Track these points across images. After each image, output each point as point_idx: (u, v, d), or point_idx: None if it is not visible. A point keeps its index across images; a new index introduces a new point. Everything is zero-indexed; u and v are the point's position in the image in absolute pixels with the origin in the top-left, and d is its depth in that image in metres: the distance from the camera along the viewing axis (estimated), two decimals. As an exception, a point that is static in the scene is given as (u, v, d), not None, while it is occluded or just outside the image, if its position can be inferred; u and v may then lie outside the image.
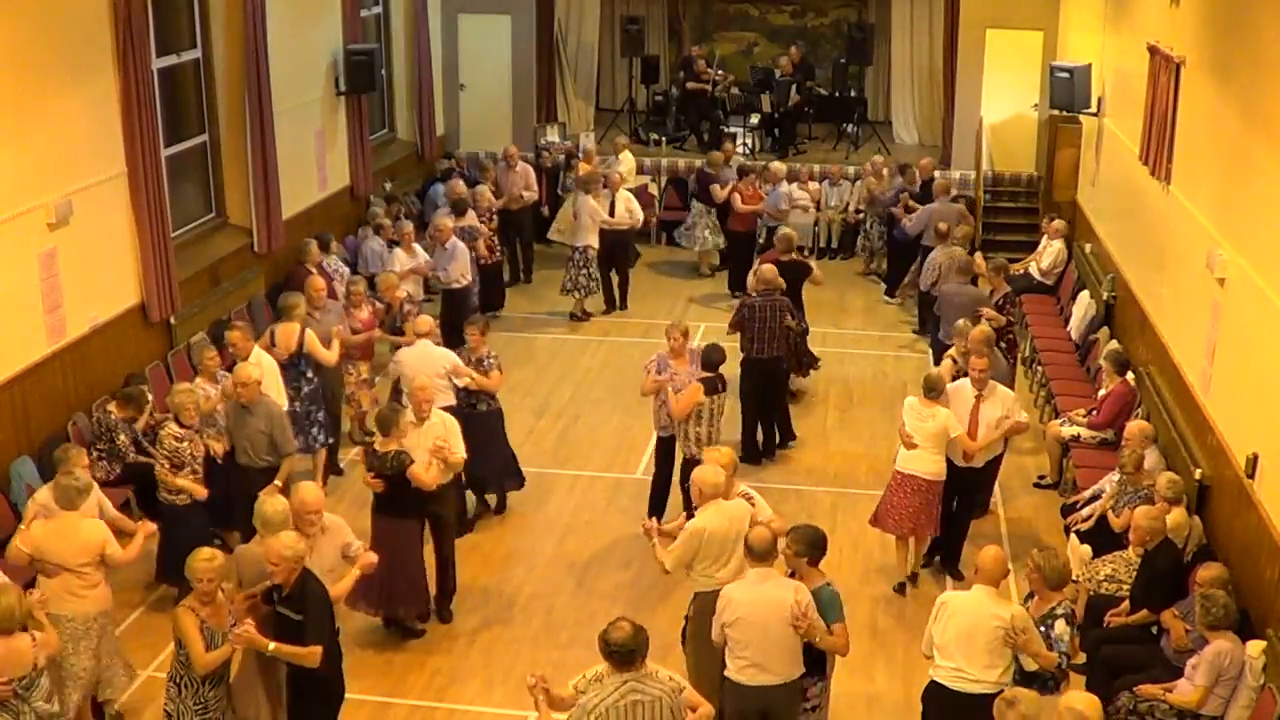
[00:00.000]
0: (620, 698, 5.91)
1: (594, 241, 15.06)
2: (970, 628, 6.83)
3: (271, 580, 6.85)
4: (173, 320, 11.62)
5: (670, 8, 21.86)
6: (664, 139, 19.57)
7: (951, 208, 15.13)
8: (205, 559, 6.79)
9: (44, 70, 9.83)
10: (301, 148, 14.48)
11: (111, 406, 9.80)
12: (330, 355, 10.78)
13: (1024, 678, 6.83)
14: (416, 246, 13.47)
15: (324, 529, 7.55)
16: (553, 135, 18.93)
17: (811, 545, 7.00)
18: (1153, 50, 11.60)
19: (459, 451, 9.07)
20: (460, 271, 13.45)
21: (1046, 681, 6.87)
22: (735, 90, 19.79)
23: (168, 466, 8.86)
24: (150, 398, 10.12)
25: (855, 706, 8.28)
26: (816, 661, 7.08)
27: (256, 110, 13.00)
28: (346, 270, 13.79)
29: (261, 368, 9.76)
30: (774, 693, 6.88)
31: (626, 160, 17.10)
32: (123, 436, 9.73)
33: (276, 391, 9.92)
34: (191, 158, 12.93)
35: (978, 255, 13.18)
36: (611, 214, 15.34)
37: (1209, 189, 9.88)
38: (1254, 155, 8.68)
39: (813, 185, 17.91)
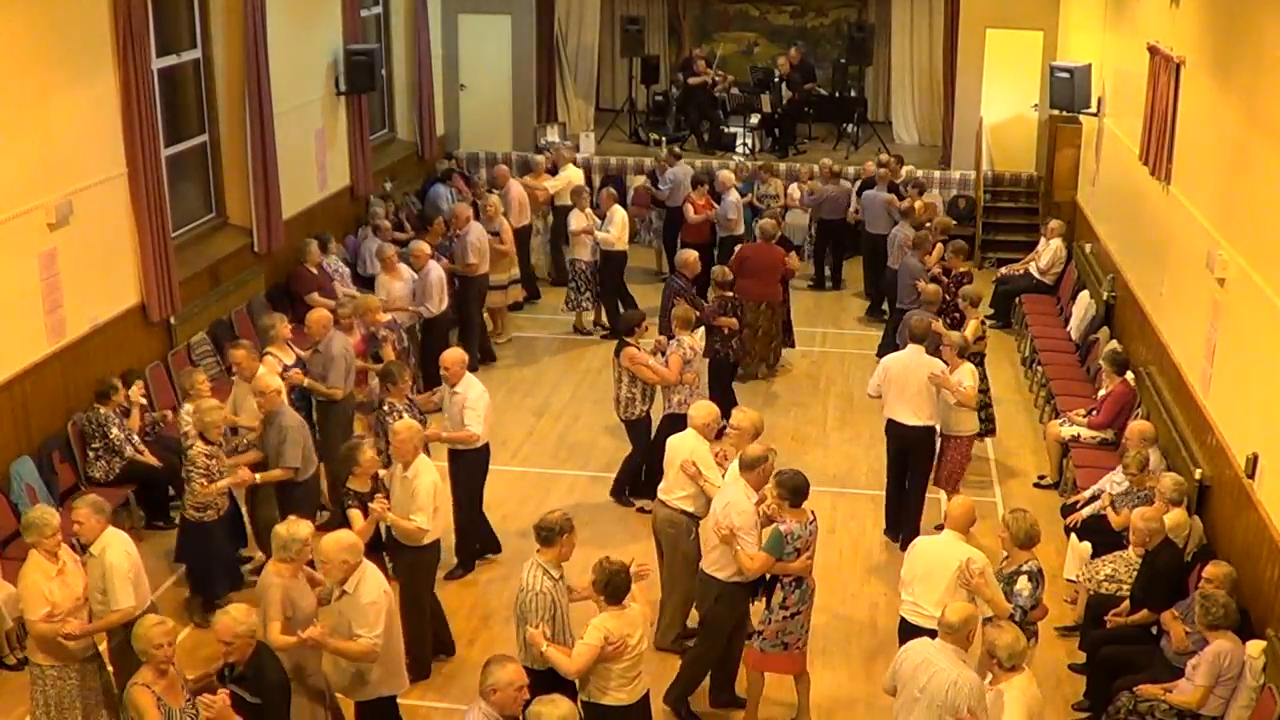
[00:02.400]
0: (525, 562, 7.01)
1: (580, 255, 14.55)
2: (931, 566, 7.39)
3: (225, 659, 6.45)
4: (173, 320, 11.62)
5: (670, 8, 21.87)
6: (664, 139, 19.57)
7: (878, 196, 15.51)
8: (157, 624, 6.31)
9: (44, 70, 9.83)
10: (301, 148, 14.47)
11: (97, 404, 9.88)
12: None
13: None
14: (402, 267, 12.57)
15: (345, 590, 6.83)
16: (553, 135, 18.92)
17: (789, 489, 7.59)
18: (1153, 50, 11.61)
19: (416, 518, 8.05)
20: (434, 301, 12.48)
21: None
22: (735, 90, 19.80)
23: (205, 483, 8.68)
24: (118, 384, 10.03)
25: (855, 705, 8.32)
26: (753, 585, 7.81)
27: (256, 110, 13.00)
28: (346, 270, 13.79)
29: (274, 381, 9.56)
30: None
31: (563, 176, 15.94)
32: (115, 430, 9.77)
33: None
34: (191, 158, 12.92)
35: (924, 233, 13.47)
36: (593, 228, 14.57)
37: (1209, 189, 9.89)
38: (1254, 155, 8.68)
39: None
